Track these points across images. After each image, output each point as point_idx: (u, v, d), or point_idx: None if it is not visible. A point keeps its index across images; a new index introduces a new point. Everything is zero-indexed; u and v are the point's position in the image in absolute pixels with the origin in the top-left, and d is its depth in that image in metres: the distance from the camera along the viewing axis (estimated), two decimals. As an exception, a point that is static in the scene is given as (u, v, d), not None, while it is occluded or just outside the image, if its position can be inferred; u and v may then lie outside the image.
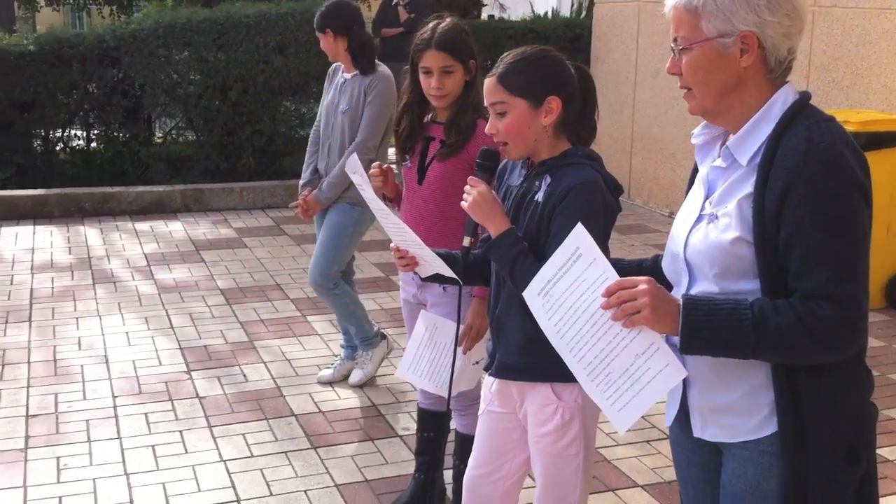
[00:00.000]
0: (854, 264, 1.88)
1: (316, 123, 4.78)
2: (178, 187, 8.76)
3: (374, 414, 4.53)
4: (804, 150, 1.88)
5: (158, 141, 10.42)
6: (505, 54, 2.57)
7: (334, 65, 4.71)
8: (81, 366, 5.02)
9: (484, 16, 14.85)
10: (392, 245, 2.74)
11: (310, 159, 4.77)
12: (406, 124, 3.39)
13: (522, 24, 11.38)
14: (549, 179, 2.53)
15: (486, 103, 2.57)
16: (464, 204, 2.58)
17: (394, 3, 10.53)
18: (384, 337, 4.92)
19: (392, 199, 3.46)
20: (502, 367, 2.68)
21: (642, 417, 4.45)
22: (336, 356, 5.06)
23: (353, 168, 2.81)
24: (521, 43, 10.68)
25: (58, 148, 9.85)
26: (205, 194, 8.66)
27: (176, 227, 8.00)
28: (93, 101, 9.55)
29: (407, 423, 4.40)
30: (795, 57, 2.02)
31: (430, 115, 3.38)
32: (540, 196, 2.52)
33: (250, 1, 10.60)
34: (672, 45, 2.04)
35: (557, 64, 2.56)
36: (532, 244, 2.52)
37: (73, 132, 9.93)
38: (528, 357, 2.60)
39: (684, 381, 2.11)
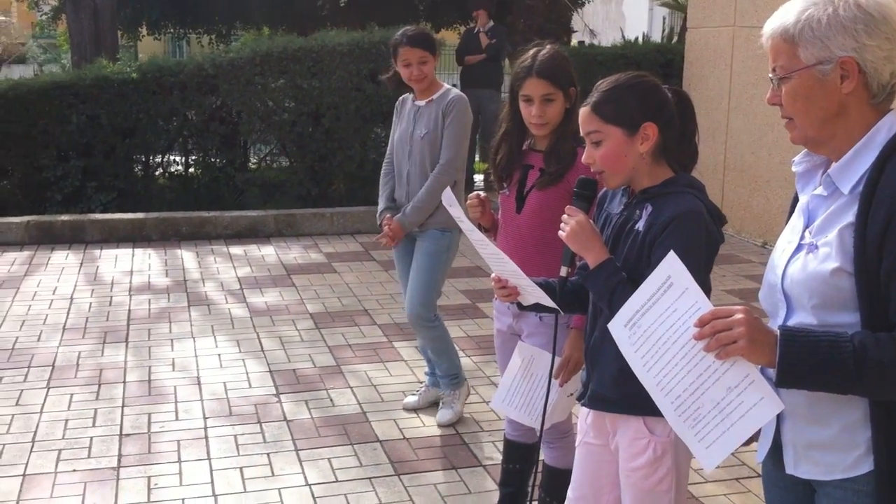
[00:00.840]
0: None
1: (388, 155, 4.78)
2: (272, 212, 8.94)
3: (458, 442, 4.53)
4: None
5: (253, 167, 10.67)
6: (600, 82, 2.55)
7: (402, 97, 4.77)
8: (175, 387, 5.15)
9: (574, 42, 14.82)
10: (493, 276, 2.74)
11: (384, 189, 4.75)
12: (505, 153, 3.38)
13: (613, 51, 11.33)
14: (650, 208, 2.49)
15: (581, 133, 2.56)
16: (561, 233, 2.57)
17: (476, 31, 10.62)
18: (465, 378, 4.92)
19: (488, 228, 3.47)
20: (595, 398, 2.66)
21: (732, 454, 4.36)
22: (421, 383, 5.08)
23: (450, 201, 2.83)
24: (612, 69, 10.62)
25: (157, 173, 10.16)
26: (297, 219, 8.83)
27: (268, 252, 8.16)
28: (191, 127, 9.85)
29: (491, 453, 4.39)
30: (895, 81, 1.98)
31: (528, 143, 3.36)
32: (641, 225, 2.49)
33: (344, 29, 10.83)
34: (771, 75, 2.02)
35: (652, 89, 2.53)
36: (631, 274, 2.48)
37: (172, 158, 10.23)
38: (622, 388, 2.55)
39: (778, 415, 2.07)
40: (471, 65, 10.42)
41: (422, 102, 4.59)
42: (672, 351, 1.97)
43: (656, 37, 18.84)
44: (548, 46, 3.30)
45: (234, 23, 18.45)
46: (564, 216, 2.57)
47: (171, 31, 18.53)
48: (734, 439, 1.94)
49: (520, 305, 2.77)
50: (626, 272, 2.49)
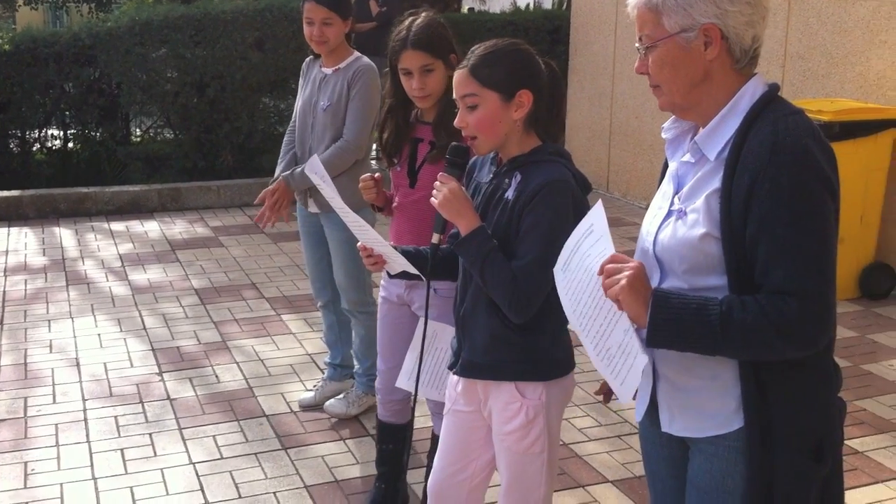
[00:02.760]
0: (820, 259, 1.86)
1: (291, 124, 4.45)
2: (155, 187, 8.69)
3: (346, 413, 4.49)
4: (770, 145, 1.87)
5: (136, 140, 10.35)
6: (475, 46, 2.55)
7: (308, 59, 4.40)
8: (52, 369, 4.97)
9: (465, 9, 14.78)
10: (359, 244, 2.73)
11: (283, 158, 4.43)
12: (391, 129, 3.32)
13: (502, 17, 11.33)
14: (519, 177, 2.51)
15: (455, 95, 2.53)
16: (433, 200, 2.56)
17: None
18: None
19: (382, 207, 3.40)
20: (467, 366, 2.67)
21: (614, 412, 4.42)
22: (308, 355, 5.01)
23: (315, 169, 2.77)
24: (501, 35, 10.60)
25: (34, 148, 9.77)
26: (182, 193, 8.60)
27: (152, 227, 7.94)
28: (69, 100, 9.49)
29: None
30: (761, 45, 2.01)
31: (414, 114, 3.30)
32: (510, 193, 2.51)
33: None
34: (637, 44, 2.02)
35: (529, 57, 2.54)
36: (501, 242, 2.50)
37: (50, 132, 9.85)
38: (494, 355, 2.59)
39: (654, 375, 2.11)
40: (361, 33, 10.26)
41: (328, 70, 4.22)
42: (587, 293, 2.00)
43: (547, 4, 18.95)
44: (422, 15, 3.24)
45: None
46: (436, 183, 2.56)
47: (49, 0, 17.76)
48: (636, 376, 1.96)
49: (388, 274, 2.76)
50: (497, 240, 2.50)
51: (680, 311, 1.87)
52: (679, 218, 1.99)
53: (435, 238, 2.62)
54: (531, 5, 14.54)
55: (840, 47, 6.44)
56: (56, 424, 4.35)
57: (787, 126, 1.89)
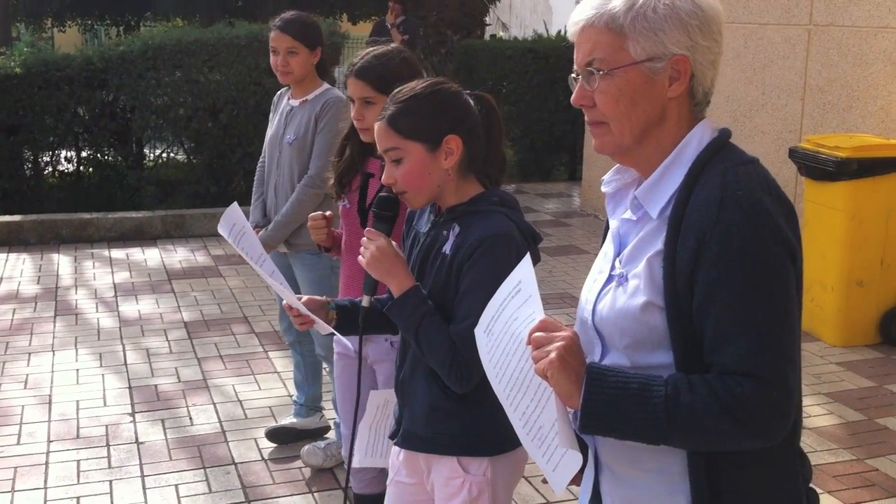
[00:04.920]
0: (778, 333, 1.59)
1: (261, 159, 4.28)
2: (159, 213, 8.54)
3: (319, 463, 4.24)
4: (717, 199, 1.60)
5: (149, 164, 10.24)
6: (395, 91, 2.31)
7: (280, 91, 4.25)
8: (22, 406, 4.78)
9: (487, 35, 14.60)
10: (284, 303, 2.52)
11: (256, 200, 4.27)
12: (347, 156, 3.14)
13: (522, 44, 11.11)
14: (457, 229, 2.27)
15: (379, 150, 2.31)
16: (361, 259, 2.33)
17: (388, 25, 10.33)
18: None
19: (329, 248, 3.19)
20: (408, 437, 2.44)
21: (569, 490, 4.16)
22: (290, 396, 4.77)
23: (232, 220, 2.55)
24: (521, 63, 10.44)
25: (46, 172, 9.69)
26: (186, 220, 8.43)
27: (152, 255, 7.77)
28: (81, 124, 9.40)
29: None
30: (713, 90, 1.75)
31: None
32: (448, 248, 2.27)
33: (247, 21, 10.46)
34: (577, 70, 1.73)
35: (453, 98, 2.30)
36: (439, 302, 2.27)
37: (62, 156, 9.76)
38: (434, 427, 2.36)
39: (596, 465, 1.84)
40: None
41: (295, 102, 4.06)
42: (513, 362, 1.73)
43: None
44: (385, 46, 3.05)
45: (144, 14, 17.88)
46: (363, 240, 2.33)
47: (78, 23, 17.87)
48: (570, 465, 1.70)
49: (321, 333, 2.53)
50: (433, 299, 2.27)
51: (618, 393, 1.60)
52: (620, 284, 1.72)
53: (365, 301, 2.39)
54: (563, 31, 14.29)
55: (861, 80, 6.13)
56: (15, 468, 4.15)
57: (737, 178, 1.62)
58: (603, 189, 1.87)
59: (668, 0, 1.65)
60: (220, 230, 2.58)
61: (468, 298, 2.21)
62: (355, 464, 2.87)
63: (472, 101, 2.32)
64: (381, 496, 3.19)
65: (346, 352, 3.17)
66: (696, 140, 1.71)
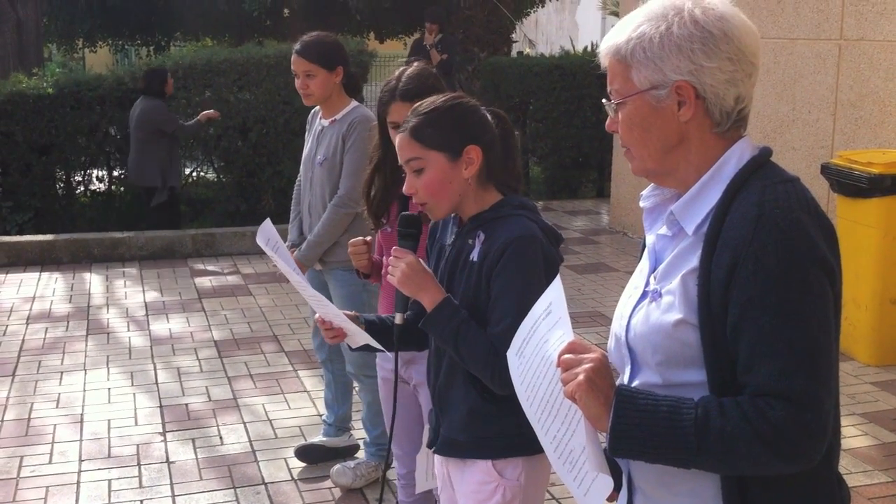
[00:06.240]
0: (813, 356, 1.56)
1: (298, 178, 4.33)
2: (189, 232, 8.59)
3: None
4: (755, 217, 1.58)
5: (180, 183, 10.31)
6: (417, 105, 2.38)
7: (314, 110, 4.27)
8: (54, 425, 4.81)
9: (514, 52, 14.61)
10: (316, 317, 2.53)
11: (294, 219, 4.34)
12: (379, 187, 3.13)
13: (549, 61, 11.11)
14: (482, 236, 2.32)
15: (400, 161, 2.36)
16: (391, 278, 2.37)
17: (426, 44, 10.37)
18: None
19: (369, 274, 3.19)
20: (446, 444, 2.46)
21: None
22: (319, 416, 4.77)
23: (267, 235, 2.57)
24: (548, 80, 10.41)
25: (78, 192, 9.79)
26: (216, 239, 8.48)
27: (183, 274, 7.82)
28: (113, 143, 9.50)
29: (385, 496, 4.09)
30: (748, 105, 1.73)
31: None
32: (475, 255, 2.32)
33: (276, 41, 10.54)
34: (605, 99, 1.77)
35: (472, 111, 2.37)
36: (472, 308, 2.30)
37: (94, 175, 9.86)
38: (473, 431, 2.39)
39: (630, 487, 1.82)
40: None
41: (326, 122, 4.09)
42: (544, 385, 1.73)
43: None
44: (414, 65, 3.07)
45: (173, 34, 18.05)
46: (391, 259, 2.36)
47: (109, 43, 18.07)
48: (606, 487, 1.68)
49: (351, 347, 2.56)
50: (466, 307, 2.31)
51: (647, 416, 1.58)
52: (654, 300, 1.71)
53: (398, 318, 2.42)
54: (590, 47, 14.25)
55: (894, 95, 6.08)
56: (47, 487, 4.17)
57: (775, 196, 1.60)
58: (641, 204, 1.86)
59: (665, 27, 1.66)
60: (259, 241, 2.62)
61: (501, 301, 2.26)
62: (419, 489, 2.89)
63: (489, 116, 2.39)
64: None
65: (388, 375, 3.17)
66: (736, 158, 1.70)
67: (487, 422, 2.37)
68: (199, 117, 8.69)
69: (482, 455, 2.38)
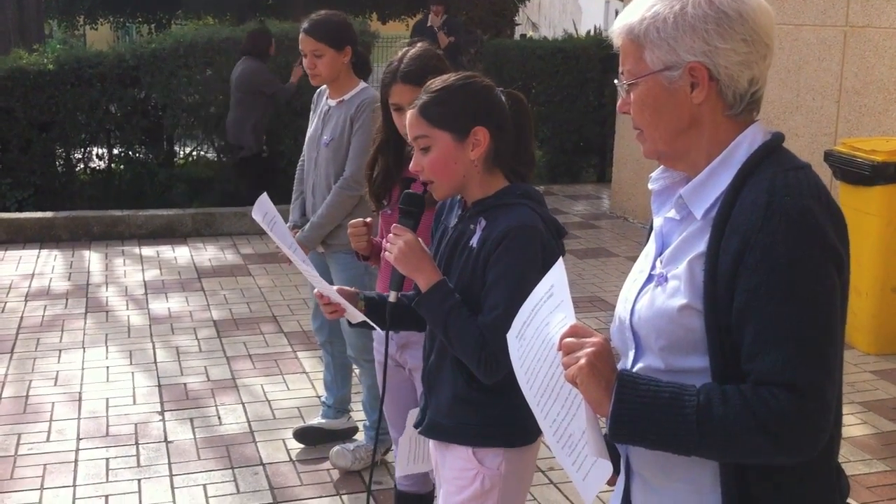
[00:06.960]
0: (818, 344, 1.55)
1: (301, 158, 4.28)
2: (189, 211, 8.57)
3: (347, 465, 4.23)
4: (764, 204, 1.57)
5: (180, 162, 10.29)
6: (429, 82, 2.35)
7: (319, 89, 4.21)
8: (52, 403, 4.81)
9: (517, 35, 14.54)
10: (315, 291, 2.52)
11: (296, 199, 4.29)
12: (381, 168, 3.11)
13: (552, 44, 11.06)
14: (483, 222, 2.31)
15: (408, 139, 2.36)
16: (388, 255, 2.36)
17: (431, 26, 10.28)
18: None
19: (368, 255, 3.16)
20: (431, 426, 2.47)
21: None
22: (318, 397, 4.76)
23: (264, 209, 2.55)
24: (551, 63, 10.36)
25: (77, 169, 9.76)
26: (216, 218, 8.45)
27: (182, 253, 7.80)
28: (113, 121, 9.46)
29: (380, 477, 4.10)
30: (762, 88, 1.71)
31: (408, 151, 3.06)
32: (475, 241, 2.31)
33: (277, 20, 10.49)
34: (616, 80, 1.75)
35: (484, 91, 2.33)
36: (466, 294, 2.29)
37: (94, 153, 9.82)
38: (456, 416, 2.39)
39: (628, 470, 1.81)
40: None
41: (333, 102, 4.03)
42: (544, 368, 1.71)
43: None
44: (417, 46, 3.03)
45: (175, 12, 17.97)
46: (390, 236, 2.35)
47: (110, 20, 17.99)
48: (604, 472, 1.67)
49: (349, 322, 2.55)
50: (461, 292, 2.30)
51: (649, 401, 1.57)
52: (659, 284, 1.70)
53: (392, 296, 2.40)
54: (593, 31, 14.19)
55: (899, 83, 6.05)
56: (45, 465, 4.17)
57: (786, 183, 1.59)
58: (650, 186, 1.84)
59: (679, 7, 1.64)
60: (255, 215, 2.58)
61: (495, 289, 2.25)
62: (399, 472, 2.89)
63: (503, 98, 2.35)
64: (425, 496, 3.20)
65: (382, 359, 3.15)
66: (747, 142, 1.68)
67: (471, 408, 2.37)
68: (292, 79, 8.64)
69: (463, 441, 2.39)
